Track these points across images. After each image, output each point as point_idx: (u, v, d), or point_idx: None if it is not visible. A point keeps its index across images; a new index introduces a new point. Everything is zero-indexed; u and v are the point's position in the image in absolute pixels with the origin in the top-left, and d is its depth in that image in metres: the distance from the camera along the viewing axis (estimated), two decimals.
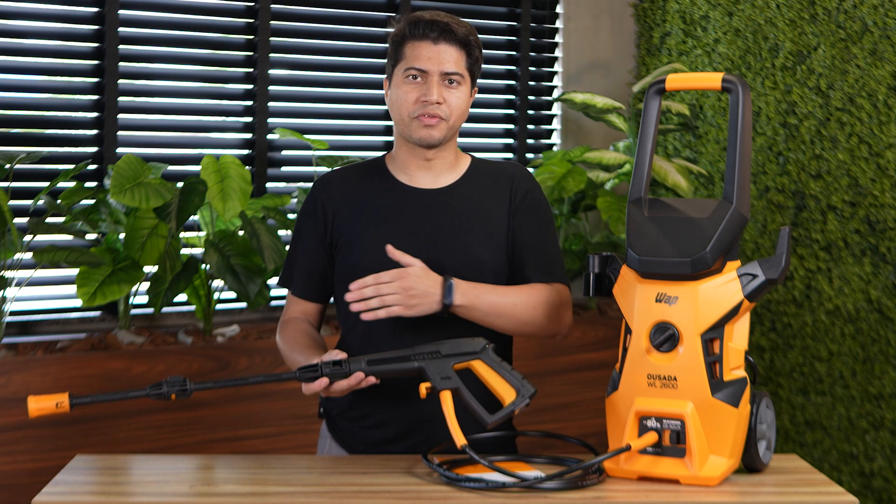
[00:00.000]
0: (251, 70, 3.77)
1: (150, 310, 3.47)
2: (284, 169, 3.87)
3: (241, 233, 3.43)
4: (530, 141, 4.34)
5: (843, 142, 3.63)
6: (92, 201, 3.34)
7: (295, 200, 3.64)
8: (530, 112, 4.32)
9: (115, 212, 3.29)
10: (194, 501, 1.91)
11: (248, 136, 3.77)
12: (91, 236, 3.35)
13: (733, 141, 2.02)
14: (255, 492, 1.95)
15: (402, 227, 2.27)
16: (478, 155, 2.42)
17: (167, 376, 2.38)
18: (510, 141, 4.31)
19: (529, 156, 4.32)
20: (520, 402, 2.04)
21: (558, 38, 4.38)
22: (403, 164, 2.32)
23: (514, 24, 4.29)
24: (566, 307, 2.28)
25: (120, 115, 3.55)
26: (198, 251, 3.52)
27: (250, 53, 3.77)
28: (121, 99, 3.55)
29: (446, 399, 2.02)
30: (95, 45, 3.51)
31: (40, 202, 3.24)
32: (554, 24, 4.37)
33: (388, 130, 4.03)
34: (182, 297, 3.53)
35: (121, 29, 3.53)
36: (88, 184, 3.47)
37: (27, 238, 3.16)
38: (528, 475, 1.95)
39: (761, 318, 3.91)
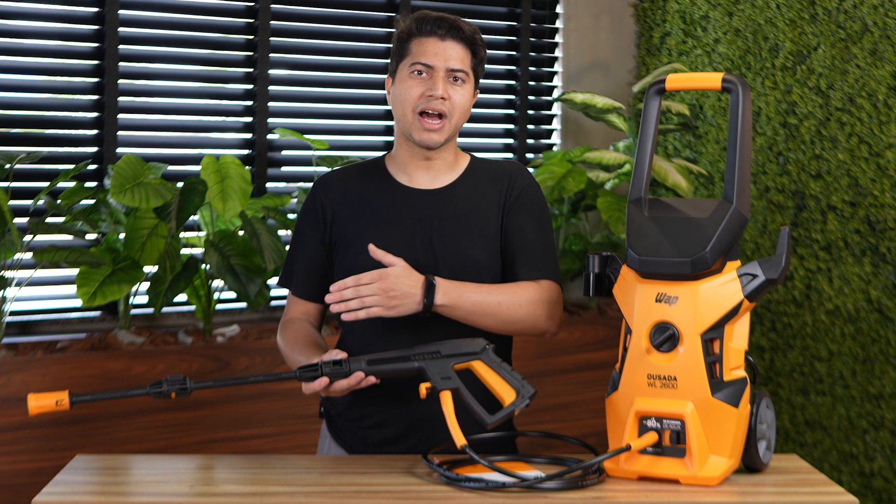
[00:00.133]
0: (251, 70, 3.77)
1: (150, 310, 3.47)
2: (284, 169, 3.87)
3: (241, 233, 3.43)
4: (530, 141, 4.34)
5: (843, 142, 3.63)
6: (92, 201, 3.34)
7: (295, 200, 3.64)
8: (530, 112, 4.32)
9: (115, 212, 3.29)
10: (194, 501, 1.91)
11: (248, 136, 3.77)
12: (91, 236, 3.35)
13: (733, 141, 2.02)
14: (255, 492, 1.95)
15: (400, 227, 2.27)
16: (479, 155, 2.42)
17: (167, 376, 2.38)
18: (510, 141, 4.31)
19: (529, 156, 4.32)
20: (520, 402, 2.04)
21: (558, 38, 4.38)
22: (403, 164, 2.32)
23: (514, 24, 4.29)
24: (554, 304, 2.26)
25: (120, 115, 3.55)
26: (198, 251, 3.52)
27: (250, 53, 3.77)
28: (121, 99, 3.55)
29: (446, 399, 2.02)
30: (95, 45, 3.51)
31: (40, 202, 3.24)
32: (554, 24, 4.38)
33: (388, 130, 4.03)
34: (182, 297, 3.53)
35: (121, 29, 3.53)
36: (88, 184, 3.47)
37: (27, 238, 3.16)
38: (528, 475, 1.95)
39: (761, 318, 3.91)
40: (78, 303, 3.33)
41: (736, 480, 2.03)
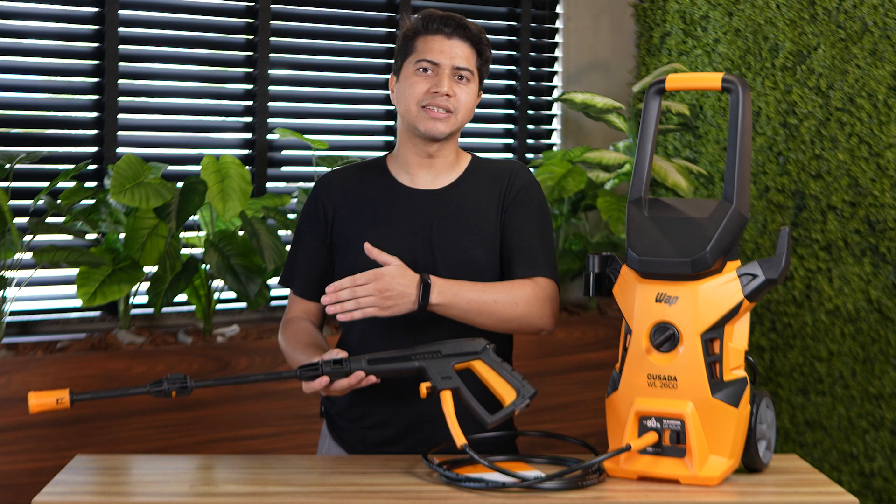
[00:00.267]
0: (251, 70, 3.77)
1: (150, 310, 3.47)
2: (284, 169, 3.87)
3: (241, 233, 3.43)
4: (530, 141, 4.34)
5: (843, 142, 3.63)
6: (92, 201, 3.34)
7: (295, 200, 3.64)
8: (530, 112, 4.32)
9: (115, 212, 3.29)
10: (194, 501, 1.91)
11: (248, 136, 3.78)
12: (91, 236, 3.35)
13: (733, 141, 2.02)
14: (255, 492, 1.95)
15: (400, 227, 2.27)
16: (483, 155, 2.42)
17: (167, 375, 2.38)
18: (510, 141, 4.31)
19: (529, 156, 4.32)
20: (520, 402, 2.04)
21: (558, 38, 4.38)
22: (405, 163, 2.32)
23: (514, 24, 4.29)
24: (551, 302, 2.25)
25: (120, 115, 3.55)
26: (198, 251, 3.52)
27: (250, 53, 3.77)
28: (121, 99, 3.55)
29: (446, 399, 2.03)
30: (95, 45, 3.51)
31: (40, 202, 3.24)
32: (554, 24, 4.38)
33: (388, 130, 4.03)
34: (182, 297, 3.53)
35: (121, 29, 3.53)
36: (88, 184, 3.47)
37: (27, 238, 3.16)
38: (528, 475, 1.95)
39: (761, 318, 3.91)
40: (78, 303, 3.33)
41: (736, 480, 2.03)
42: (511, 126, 4.29)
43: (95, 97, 3.52)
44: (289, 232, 3.58)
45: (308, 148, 3.75)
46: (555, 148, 4.39)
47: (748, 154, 2.02)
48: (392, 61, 3.96)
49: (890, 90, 3.50)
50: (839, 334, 3.67)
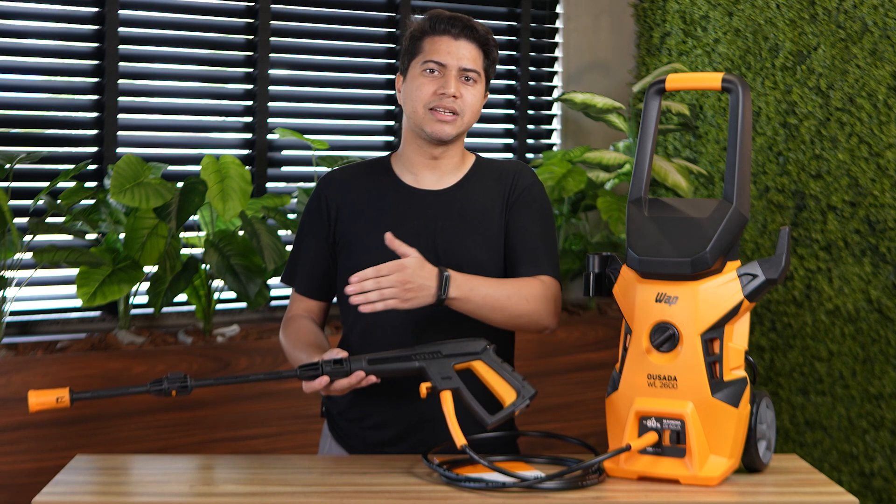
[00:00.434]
0: (251, 70, 3.77)
1: (150, 310, 3.47)
2: (284, 169, 3.87)
3: (241, 233, 3.43)
4: (530, 141, 4.34)
5: (843, 142, 3.63)
6: (92, 201, 3.34)
7: (295, 200, 3.64)
8: (530, 112, 4.32)
9: (115, 212, 3.29)
10: (194, 501, 1.91)
11: (248, 136, 3.78)
12: (91, 236, 3.35)
13: (733, 141, 2.02)
14: (255, 492, 1.95)
15: (404, 227, 2.26)
16: (482, 155, 2.42)
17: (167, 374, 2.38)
18: (510, 141, 4.31)
19: (529, 156, 4.32)
20: (520, 403, 2.04)
21: (558, 38, 4.38)
22: (409, 163, 2.32)
23: (514, 24, 4.29)
24: (556, 301, 2.26)
25: (120, 115, 3.55)
26: (198, 251, 3.52)
27: (250, 53, 3.77)
28: (121, 99, 3.55)
29: (447, 399, 2.03)
30: (95, 45, 3.51)
31: (40, 202, 3.24)
32: (554, 24, 4.38)
33: (388, 130, 4.03)
34: (182, 297, 3.53)
35: (121, 29, 3.53)
36: (88, 184, 3.47)
37: (27, 238, 3.16)
38: (528, 475, 1.95)
39: (761, 318, 3.91)
40: (78, 303, 3.32)
41: (736, 480, 2.03)
42: (511, 126, 4.29)
43: (95, 97, 3.52)
44: (289, 232, 3.58)
45: (308, 148, 3.75)
46: (555, 148, 4.39)
47: (748, 154, 2.02)
48: (392, 61, 4.01)
49: (890, 90, 3.50)
50: (839, 334, 3.67)
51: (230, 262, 3.31)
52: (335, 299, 2.40)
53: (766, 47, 3.88)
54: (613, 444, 2.06)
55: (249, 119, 3.77)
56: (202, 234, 3.50)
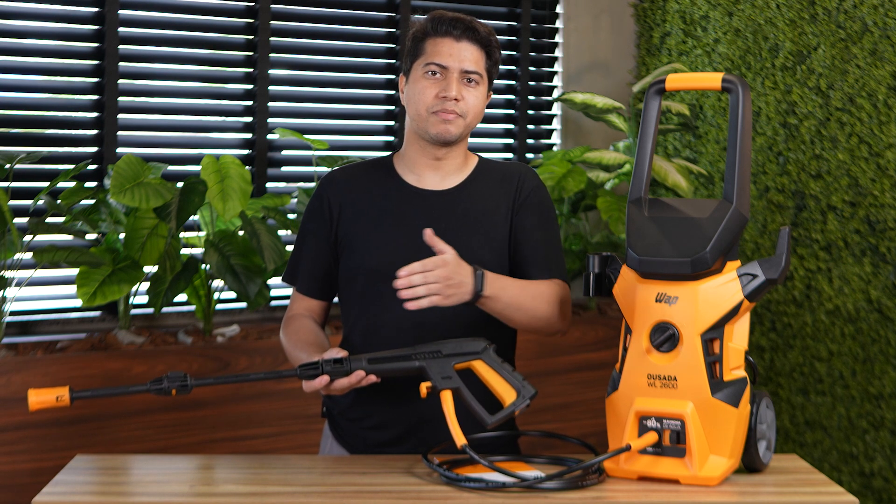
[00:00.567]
0: (251, 70, 3.77)
1: (150, 310, 3.47)
2: (284, 169, 3.87)
3: (241, 233, 3.43)
4: (530, 141, 4.34)
5: (843, 142, 3.63)
6: (92, 201, 3.34)
7: (295, 200, 3.64)
8: (530, 112, 4.32)
9: (115, 212, 3.29)
10: (194, 501, 1.91)
11: (248, 136, 3.78)
12: (91, 236, 3.35)
13: (733, 141, 2.02)
14: (255, 492, 1.95)
15: (407, 227, 2.26)
16: (483, 155, 2.42)
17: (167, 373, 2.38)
18: (510, 141, 4.31)
19: (529, 156, 4.32)
20: (520, 403, 2.04)
21: (558, 38, 4.38)
22: (412, 163, 2.31)
23: (514, 24, 4.29)
24: (568, 304, 2.29)
25: (120, 115, 3.55)
26: (198, 251, 3.52)
27: (250, 53, 3.77)
28: (121, 99, 3.55)
29: (447, 399, 2.03)
30: (95, 45, 3.51)
31: (40, 202, 3.24)
32: (554, 24, 4.38)
33: (388, 130, 4.03)
34: (182, 297, 3.53)
35: (121, 29, 3.53)
36: (88, 184, 3.47)
37: (27, 238, 3.16)
38: (528, 475, 1.95)
39: (761, 318, 3.91)
40: (78, 303, 3.32)
41: (736, 480, 2.03)
42: (511, 126, 4.29)
43: (95, 97, 3.52)
44: (289, 232, 3.58)
45: (308, 148, 3.75)
46: (555, 148, 4.39)
47: (748, 154, 2.02)
48: (392, 61, 4.01)
49: (890, 90, 3.50)
50: (839, 334, 3.67)
51: (230, 262, 3.31)
52: (336, 299, 2.39)
53: (766, 47, 3.88)
54: (613, 444, 2.06)
55: (249, 119, 3.77)
56: (202, 234, 3.50)
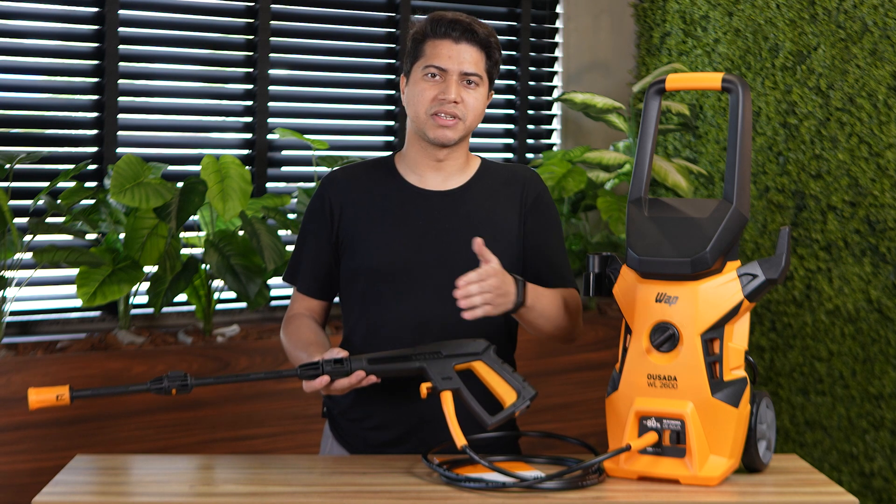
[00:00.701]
0: (251, 70, 3.77)
1: (150, 310, 3.47)
2: (284, 169, 3.87)
3: (241, 233, 3.43)
4: (530, 141, 4.34)
5: (843, 142, 3.63)
6: (92, 201, 3.34)
7: (295, 200, 3.64)
8: (530, 112, 4.32)
9: (115, 212, 3.29)
10: (194, 501, 1.91)
11: (248, 136, 3.77)
12: (91, 236, 3.35)
13: (733, 141, 2.02)
14: (255, 492, 1.95)
15: (409, 229, 2.26)
16: (483, 155, 2.42)
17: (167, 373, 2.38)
18: (510, 141, 4.31)
19: (529, 156, 4.32)
20: (520, 404, 2.04)
21: (558, 38, 4.38)
22: (414, 164, 2.31)
23: (514, 24, 4.29)
24: (581, 312, 2.32)
25: (120, 115, 3.55)
26: (198, 251, 3.52)
27: (250, 53, 3.77)
28: (121, 99, 3.55)
29: (447, 399, 2.02)
30: (95, 45, 3.51)
31: (40, 202, 3.24)
32: (554, 24, 4.38)
33: (388, 130, 4.03)
34: (182, 297, 3.53)
35: (121, 29, 3.53)
36: (88, 184, 3.47)
37: (27, 238, 3.16)
38: (528, 475, 1.95)
39: (761, 318, 3.91)
40: (78, 303, 3.32)
41: (736, 480, 2.03)
42: (511, 126, 4.30)
43: (95, 97, 3.52)
44: (289, 232, 3.58)
45: (308, 148, 3.75)
46: (555, 148, 4.39)
47: (748, 154, 2.02)
48: (392, 61, 4.02)
49: (890, 90, 3.50)
50: (839, 334, 3.67)
51: (230, 262, 3.31)
52: (336, 299, 2.39)
53: (766, 47, 3.88)
54: (613, 444, 2.06)
55: (249, 119, 3.77)
56: (202, 234, 3.50)
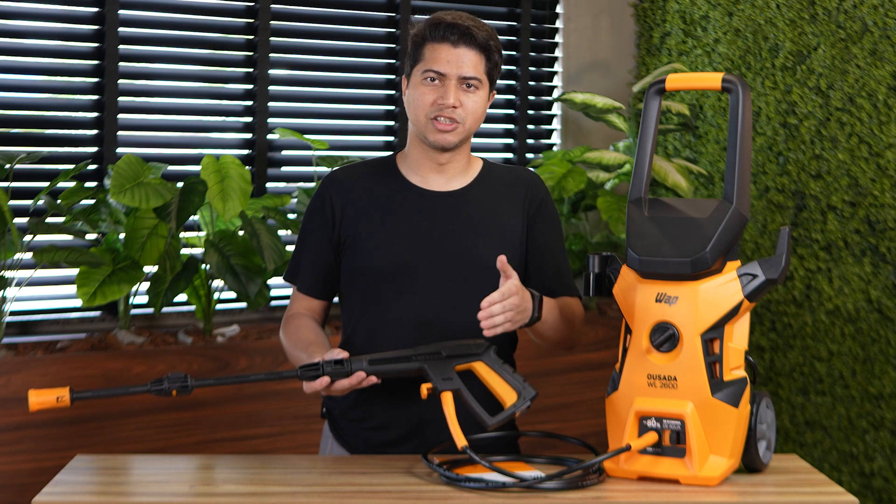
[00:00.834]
0: (251, 70, 3.77)
1: (150, 310, 3.47)
2: (284, 169, 3.87)
3: (241, 233, 3.43)
4: (530, 141, 4.34)
5: (843, 142, 3.64)
6: (92, 201, 3.34)
7: (295, 200, 3.64)
8: (530, 112, 4.32)
9: (115, 212, 3.29)
10: (194, 501, 1.91)
11: (248, 136, 3.77)
12: (91, 236, 3.35)
13: (733, 141, 2.02)
14: (255, 492, 1.95)
15: (412, 229, 2.26)
16: (483, 155, 2.41)
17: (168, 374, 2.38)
18: (510, 141, 4.31)
19: (529, 156, 4.32)
20: (521, 404, 2.04)
21: (558, 38, 4.38)
22: (416, 165, 2.31)
23: (514, 24, 4.29)
24: (583, 320, 2.34)
25: (120, 115, 3.55)
26: (198, 251, 3.52)
27: (250, 53, 3.77)
28: (121, 99, 3.55)
29: (447, 400, 2.02)
30: (95, 45, 3.51)
31: (40, 202, 3.24)
32: (554, 24, 4.38)
33: (388, 130, 4.03)
34: (182, 297, 3.53)
35: (121, 29, 3.53)
36: (88, 184, 3.47)
37: (27, 238, 3.16)
38: (528, 475, 1.95)
39: (761, 318, 3.91)
40: (78, 303, 3.32)
41: (736, 480, 2.03)
42: (511, 126, 4.29)
43: (95, 97, 3.52)
44: (289, 232, 3.58)
45: (308, 148, 3.75)
46: (555, 148, 4.39)
47: (748, 154, 2.02)
48: (392, 61, 4.02)
49: (890, 90, 3.50)
50: (839, 334, 3.67)
51: (230, 262, 3.31)
52: (336, 299, 2.39)
53: (766, 47, 3.88)
54: (613, 444, 2.06)
55: (249, 119, 3.77)
56: (202, 234, 3.50)
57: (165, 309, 3.54)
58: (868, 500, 3.60)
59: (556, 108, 4.39)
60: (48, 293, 3.50)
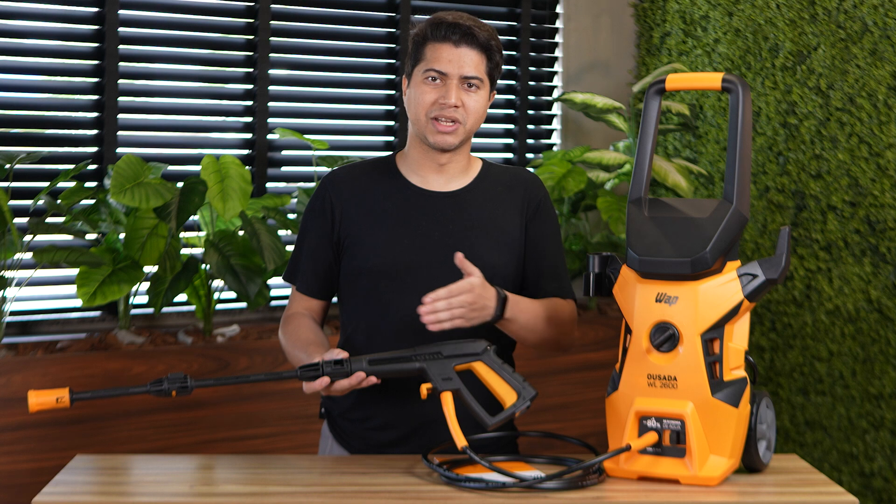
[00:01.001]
0: (251, 70, 3.77)
1: (150, 310, 3.47)
2: (284, 169, 3.87)
3: (241, 233, 3.44)
4: (530, 141, 4.34)
5: (843, 142, 3.64)
6: (92, 201, 3.34)
7: (295, 200, 3.64)
8: (530, 112, 4.32)
9: (115, 212, 3.29)
10: (194, 501, 1.91)
11: (248, 136, 3.78)
12: (91, 236, 3.35)
13: (733, 141, 2.02)
14: (255, 492, 1.95)
15: (412, 229, 2.26)
16: (483, 155, 2.41)
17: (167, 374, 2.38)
18: (510, 141, 4.31)
19: (529, 156, 4.32)
20: (521, 404, 2.04)
21: (558, 38, 4.38)
22: (416, 165, 2.31)
23: (514, 24, 4.29)
24: (576, 322, 2.32)
25: (120, 115, 3.55)
26: (198, 251, 3.52)
27: (250, 53, 3.77)
28: (121, 99, 3.55)
29: (447, 400, 2.02)
30: (95, 45, 3.51)
31: (40, 202, 3.24)
32: (554, 24, 4.38)
33: (388, 130, 4.03)
34: (182, 297, 3.53)
35: (121, 29, 3.53)
36: (88, 184, 3.47)
37: (27, 238, 3.16)
38: (528, 475, 1.95)
39: (761, 318, 3.91)
40: (78, 303, 3.32)
41: (736, 480, 2.03)
42: (511, 126, 4.29)
43: (95, 97, 3.52)
44: (289, 232, 3.58)
45: (308, 148, 3.75)
46: (555, 148, 4.39)
47: (748, 154, 2.02)
48: (392, 61, 4.02)
49: (890, 90, 3.50)
50: (839, 334, 3.67)
51: (230, 262, 3.31)
52: (335, 299, 2.39)
53: (766, 47, 3.88)
54: (613, 444, 2.06)
55: (249, 119, 3.77)
56: (202, 234, 3.50)
57: (165, 309, 3.54)
58: (868, 500, 3.60)
59: (556, 108, 4.39)
60: (48, 293, 3.51)
